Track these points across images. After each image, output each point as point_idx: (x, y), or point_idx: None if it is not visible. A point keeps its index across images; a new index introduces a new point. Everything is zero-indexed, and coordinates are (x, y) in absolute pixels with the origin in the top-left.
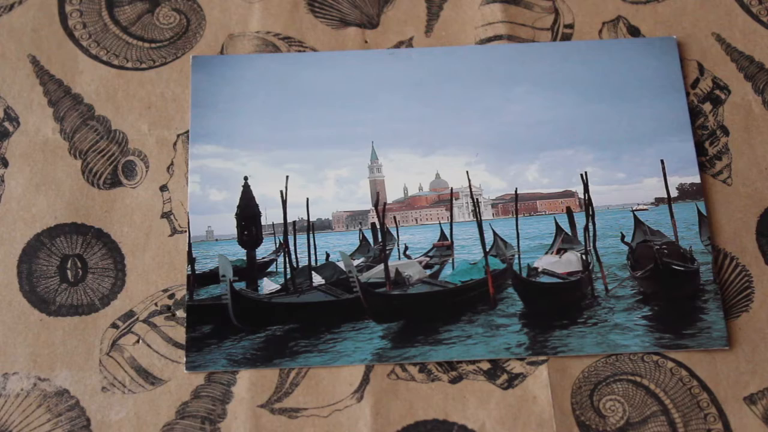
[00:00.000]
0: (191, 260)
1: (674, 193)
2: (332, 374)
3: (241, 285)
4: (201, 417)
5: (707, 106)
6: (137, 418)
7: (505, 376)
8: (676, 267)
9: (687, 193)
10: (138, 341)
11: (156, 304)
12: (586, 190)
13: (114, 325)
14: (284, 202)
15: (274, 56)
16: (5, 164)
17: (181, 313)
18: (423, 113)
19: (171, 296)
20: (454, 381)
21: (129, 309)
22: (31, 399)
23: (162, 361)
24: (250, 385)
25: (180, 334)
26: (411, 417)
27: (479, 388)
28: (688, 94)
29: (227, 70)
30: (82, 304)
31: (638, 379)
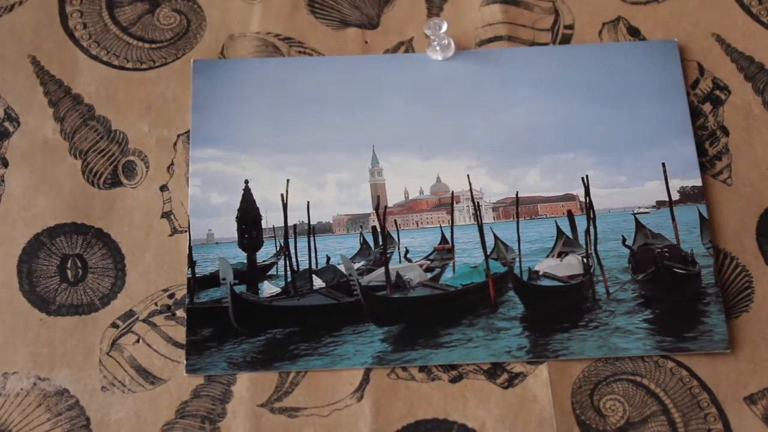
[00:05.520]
0: (192, 263)
1: (675, 196)
2: (332, 374)
3: (241, 288)
4: (201, 416)
5: (707, 107)
6: (137, 418)
7: (505, 376)
8: (678, 270)
9: (688, 196)
10: (138, 341)
11: (156, 304)
12: (587, 193)
13: (114, 325)
14: (285, 206)
15: (275, 60)
16: (5, 164)
17: (180, 313)
18: (424, 117)
19: (171, 296)
20: (454, 380)
21: (129, 309)
22: (31, 398)
23: (162, 361)
24: (250, 384)
25: (180, 333)
26: (411, 416)
27: (479, 388)
28: (688, 94)
29: (228, 73)
30: (82, 304)
31: (638, 378)
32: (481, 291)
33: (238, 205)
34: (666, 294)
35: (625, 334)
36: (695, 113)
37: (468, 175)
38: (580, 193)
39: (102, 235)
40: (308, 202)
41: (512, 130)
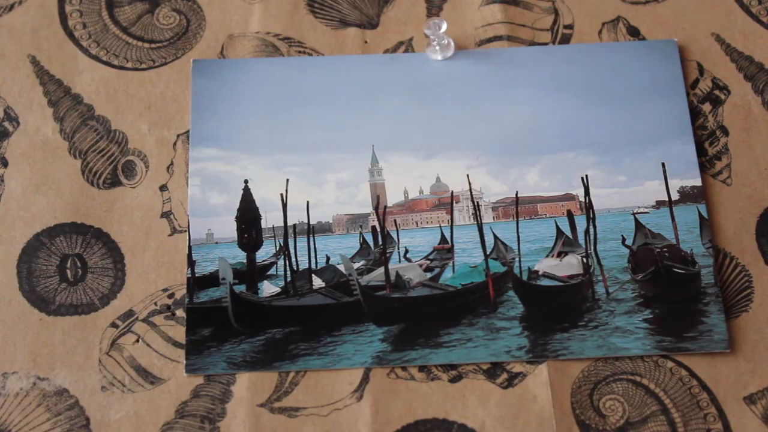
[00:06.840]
0: (191, 263)
1: (675, 196)
2: (332, 373)
3: (241, 288)
4: (200, 416)
5: (707, 107)
6: (137, 418)
7: (504, 375)
8: (677, 270)
9: (688, 196)
10: (138, 340)
11: (156, 304)
12: (587, 193)
13: (113, 325)
14: (284, 205)
15: (275, 60)
16: (5, 164)
17: (180, 313)
18: (423, 117)
19: (171, 296)
20: (453, 380)
21: (129, 308)
22: (31, 398)
23: (161, 361)
24: (249, 384)
25: (180, 333)
26: (411, 416)
27: (479, 387)
28: (687, 94)
29: (228, 73)
30: (82, 304)
31: (638, 378)
32: (481, 291)
33: (237, 204)
34: (666, 294)
35: (625, 334)
36: (695, 113)
37: (468, 175)
38: (579, 193)
39: (101, 234)
40: (308, 202)
41: (512, 130)
